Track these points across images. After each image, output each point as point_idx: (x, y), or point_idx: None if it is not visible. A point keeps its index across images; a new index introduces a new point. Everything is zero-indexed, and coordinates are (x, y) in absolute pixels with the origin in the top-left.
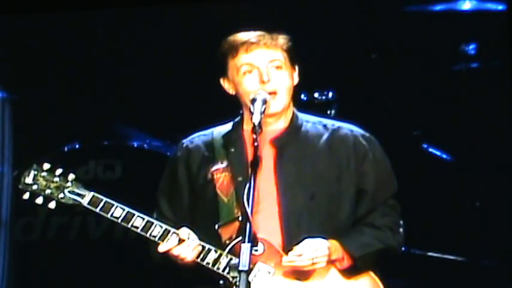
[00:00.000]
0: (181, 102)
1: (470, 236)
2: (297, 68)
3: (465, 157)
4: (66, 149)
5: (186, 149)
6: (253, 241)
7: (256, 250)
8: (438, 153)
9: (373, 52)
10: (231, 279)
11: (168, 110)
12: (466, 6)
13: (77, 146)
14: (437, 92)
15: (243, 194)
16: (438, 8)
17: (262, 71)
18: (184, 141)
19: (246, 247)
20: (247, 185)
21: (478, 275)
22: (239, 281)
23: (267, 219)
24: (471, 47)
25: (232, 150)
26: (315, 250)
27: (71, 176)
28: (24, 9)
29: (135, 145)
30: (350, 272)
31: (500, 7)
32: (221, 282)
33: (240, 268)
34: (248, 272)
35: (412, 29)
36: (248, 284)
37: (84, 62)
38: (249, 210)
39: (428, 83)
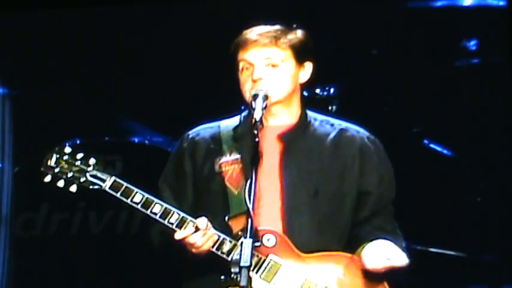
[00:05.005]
0: (182, 97)
1: (471, 232)
2: (308, 65)
3: (466, 153)
4: (67, 144)
5: (191, 141)
6: (255, 236)
7: (268, 240)
8: (439, 149)
9: (374, 48)
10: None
11: (170, 105)
12: (467, 2)
13: (78, 142)
14: (438, 88)
15: (250, 187)
16: (439, 3)
17: (255, 68)
18: (190, 132)
19: (247, 242)
20: (249, 180)
21: (479, 271)
22: (240, 276)
23: (270, 214)
24: (472, 42)
25: (243, 142)
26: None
27: (92, 160)
28: (24, 5)
29: (136, 141)
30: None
31: (501, 3)
32: (222, 277)
33: (242, 264)
34: (249, 268)
35: (413, 25)
36: (249, 279)
37: (85, 57)
38: (250, 206)
39: (429, 78)
